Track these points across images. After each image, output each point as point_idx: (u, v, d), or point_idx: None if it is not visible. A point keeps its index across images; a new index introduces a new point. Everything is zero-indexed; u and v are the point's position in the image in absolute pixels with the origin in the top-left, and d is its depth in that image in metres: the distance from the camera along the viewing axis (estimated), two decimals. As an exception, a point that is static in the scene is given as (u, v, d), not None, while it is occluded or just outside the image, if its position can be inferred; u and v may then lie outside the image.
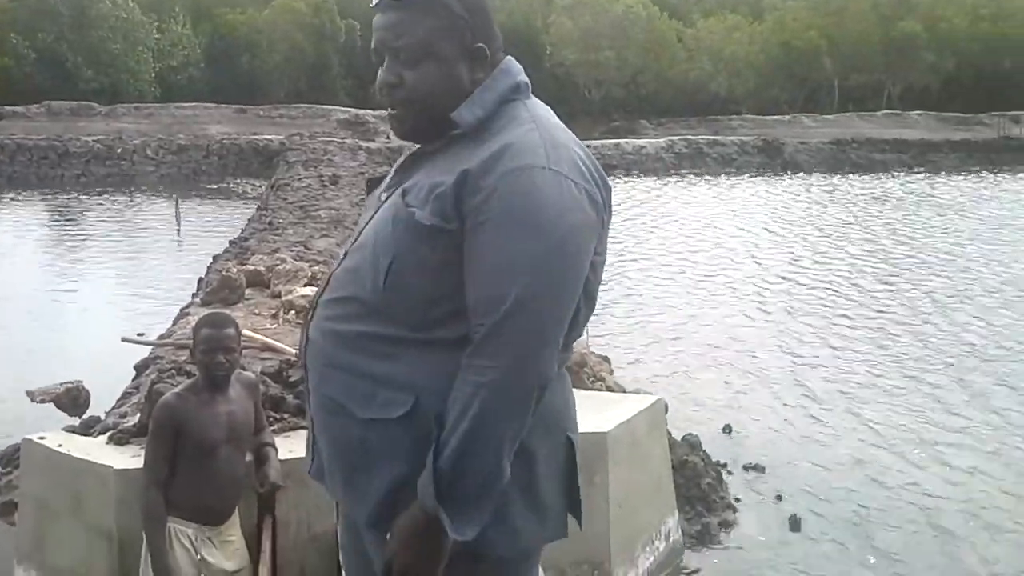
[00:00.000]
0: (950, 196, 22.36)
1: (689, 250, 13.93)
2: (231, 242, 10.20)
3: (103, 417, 4.49)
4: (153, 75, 40.49)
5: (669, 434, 4.51)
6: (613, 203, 1.68)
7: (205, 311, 4.49)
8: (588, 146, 1.68)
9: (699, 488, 4.71)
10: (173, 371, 3.80)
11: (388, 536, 1.58)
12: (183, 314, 6.34)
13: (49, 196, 21.57)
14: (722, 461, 5.34)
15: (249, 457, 2.93)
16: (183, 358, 4.08)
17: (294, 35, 43.25)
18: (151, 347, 5.17)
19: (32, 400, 5.76)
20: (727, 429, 6.02)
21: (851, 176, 27.85)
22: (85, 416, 5.18)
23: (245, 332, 3.60)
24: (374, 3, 1.67)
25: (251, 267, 6.37)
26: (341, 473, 1.67)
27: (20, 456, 3.67)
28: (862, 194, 22.78)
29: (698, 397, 6.80)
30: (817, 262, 12.86)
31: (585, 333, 1.95)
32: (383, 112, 1.86)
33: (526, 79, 1.70)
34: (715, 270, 12.23)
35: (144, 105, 35.08)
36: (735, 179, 26.97)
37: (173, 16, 42.27)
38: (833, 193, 23.06)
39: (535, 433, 1.59)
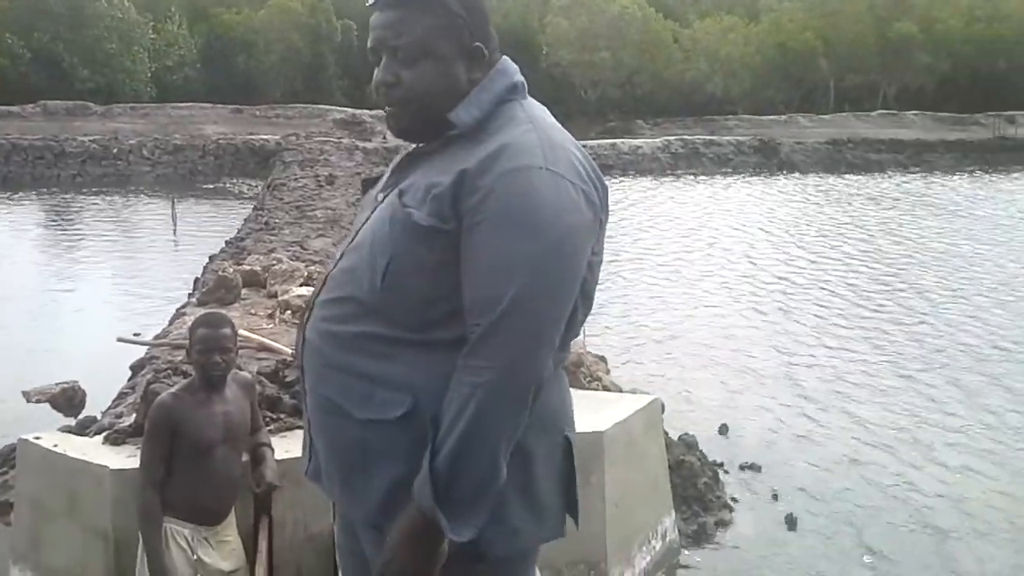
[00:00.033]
0: (945, 196, 22.41)
1: (685, 250, 13.95)
2: (227, 242, 10.20)
3: (99, 417, 4.49)
4: (149, 75, 40.43)
5: (665, 434, 4.52)
6: (609, 203, 1.68)
7: (201, 311, 4.49)
8: (584, 146, 1.68)
9: (695, 488, 4.72)
10: (169, 371, 3.79)
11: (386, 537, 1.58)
12: (179, 314, 6.33)
13: (45, 196, 21.53)
14: (718, 461, 5.35)
15: (245, 457, 2.93)
16: (179, 358, 4.08)
17: (290, 35, 43.22)
18: (147, 347, 5.17)
19: (28, 400, 5.76)
20: (723, 429, 6.03)
21: (847, 176, 27.91)
22: (81, 416, 5.19)
23: (241, 332, 3.60)
24: (371, 2, 1.66)
25: (247, 267, 6.37)
26: (339, 474, 1.67)
27: (16, 456, 3.66)
28: (858, 194, 22.82)
29: (694, 397, 6.81)
30: (812, 262, 12.89)
31: (582, 333, 1.95)
32: (380, 112, 1.86)
33: (522, 79, 1.70)
34: (711, 270, 12.25)
35: (140, 105, 35.04)
36: (731, 179, 27.00)
37: (169, 16, 42.23)
38: (829, 193, 23.10)
39: (533, 433, 1.59)
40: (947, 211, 19.32)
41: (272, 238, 9.20)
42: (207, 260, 9.30)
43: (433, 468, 1.49)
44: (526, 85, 1.70)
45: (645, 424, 3.89)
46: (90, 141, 26.52)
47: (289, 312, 5.03)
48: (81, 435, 3.65)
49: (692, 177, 27.50)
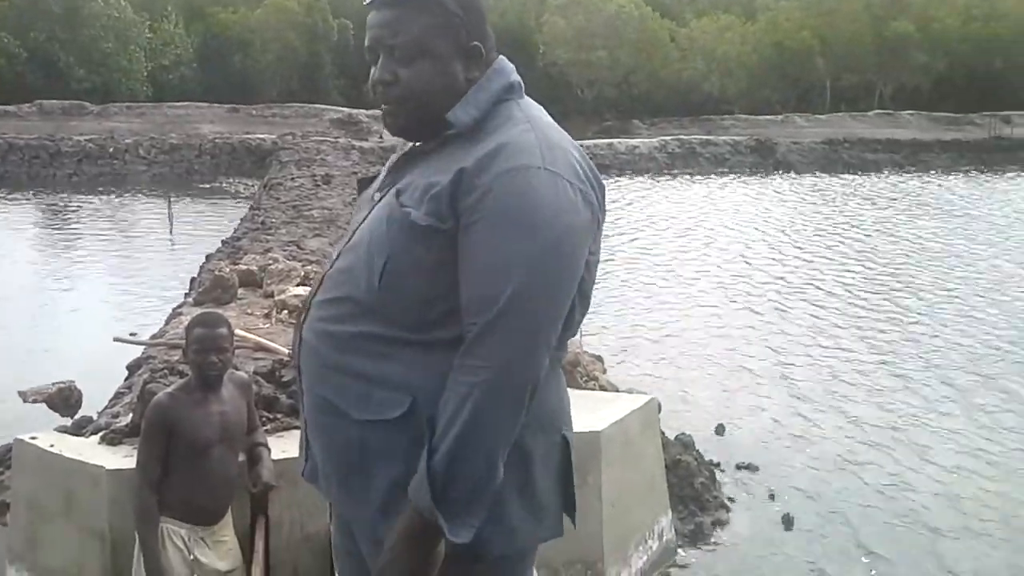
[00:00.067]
0: (941, 196, 22.45)
1: (681, 250, 13.96)
2: (224, 242, 10.19)
3: (95, 417, 4.48)
4: (145, 74, 40.34)
5: (662, 433, 4.52)
6: (606, 203, 1.68)
7: (198, 311, 4.49)
8: (581, 146, 1.68)
9: (692, 487, 4.73)
10: (166, 371, 3.79)
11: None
12: (176, 314, 6.33)
13: (41, 196, 21.50)
14: (715, 460, 5.36)
15: (242, 457, 2.92)
16: (176, 358, 4.07)
17: (287, 34, 43.16)
18: (144, 347, 5.16)
19: (24, 400, 5.74)
20: (720, 429, 6.04)
21: (843, 176, 27.94)
22: (77, 416, 5.18)
23: (238, 332, 3.60)
24: (368, 0, 1.66)
25: (244, 267, 6.36)
26: (336, 474, 1.67)
27: (12, 456, 3.66)
28: (854, 194, 22.86)
29: (691, 396, 6.82)
30: (808, 262, 12.91)
31: (579, 332, 1.95)
32: (376, 111, 1.86)
33: (519, 79, 1.70)
34: (707, 270, 12.27)
35: (136, 104, 34.96)
36: (727, 179, 27.02)
37: (165, 15, 42.16)
38: (825, 193, 23.13)
39: (530, 432, 1.59)
40: (943, 211, 19.36)
41: (268, 238, 9.19)
42: (203, 260, 9.29)
43: (430, 469, 1.48)
44: (523, 85, 1.70)
45: (641, 424, 3.89)
46: (86, 140, 26.49)
47: (286, 312, 5.03)
48: (77, 435, 3.65)
49: (688, 177, 27.52)
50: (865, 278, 11.76)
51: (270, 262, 6.51)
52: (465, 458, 1.48)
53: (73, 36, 38.54)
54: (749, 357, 7.95)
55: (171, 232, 15.10)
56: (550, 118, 1.68)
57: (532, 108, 1.67)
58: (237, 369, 3.19)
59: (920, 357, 7.98)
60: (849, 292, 10.84)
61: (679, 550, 4.23)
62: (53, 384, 5.89)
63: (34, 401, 5.73)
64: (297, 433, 1.87)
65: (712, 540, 4.48)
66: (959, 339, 8.59)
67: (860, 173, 28.96)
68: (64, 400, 5.71)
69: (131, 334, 6.56)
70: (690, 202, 20.80)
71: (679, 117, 40.17)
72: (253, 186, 21.16)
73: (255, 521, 3.01)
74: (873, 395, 6.91)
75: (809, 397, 6.84)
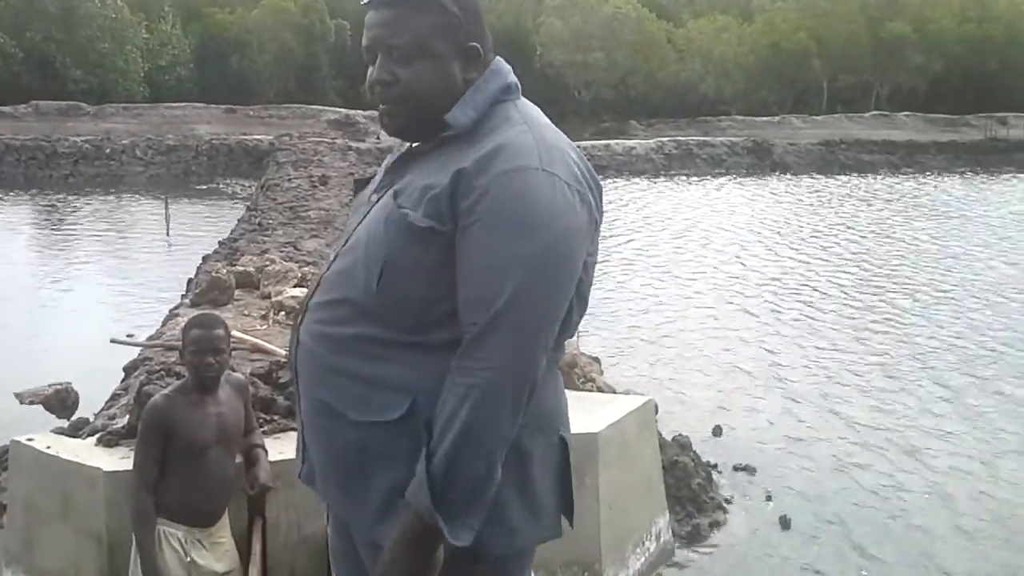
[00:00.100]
0: (937, 197, 22.49)
1: (678, 251, 13.97)
2: (220, 243, 10.17)
3: (92, 419, 4.47)
4: (142, 75, 40.28)
5: (659, 435, 4.53)
6: (603, 204, 1.68)
7: (194, 312, 4.48)
8: (578, 147, 1.68)
9: (689, 488, 4.73)
10: (162, 372, 3.79)
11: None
12: (172, 315, 6.32)
13: (38, 197, 21.46)
14: (712, 462, 5.36)
15: (239, 459, 2.92)
16: (172, 359, 4.07)
17: (284, 35, 43.14)
18: (140, 348, 5.16)
19: (20, 402, 5.73)
20: (717, 430, 6.04)
21: (840, 177, 27.98)
22: (74, 418, 5.16)
23: (235, 333, 3.60)
24: (366, 0, 1.66)
25: (240, 268, 6.35)
26: (335, 477, 1.66)
27: (8, 458, 3.65)
28: (850, 195, 22.89)
29: (688, 398, 6.82)
30: (805, 263, 12.92)
31: (576, 333, 1.95)
32: (373, 112, 1.86)
33: (516, 80, 1.70)
34: (704, 271, 12.28)
35: (133, 105, 34.94)
36: (724, 180, 27.04)
37: (162, 16, 42.13)
38: (821, 194, 23.16)
39: (529, 433, 1.59)
40: (939, 212, 19.39)
41: (265, 239, 9.17)
42: (200, 261, 9.28)
43: (429, 471, 1.48)
44: (520, 86, 1.70)
45: (639, 425, 3.90)
46: (83, 141, 26.45)
47: (283, 313, 5.02)
48: (74, 437, 3.64)
49: (685, 178, 27.54)
50: (861, 279, 11.77)
51: (267, 263, 6.51)
52: (464, 460, 1.48)
53: (69, 36, 38.48)
54: (746, 358, 7.96)
55: (168, 233, 15.07)
56: (547, 119, 1.68)
57: (529, 109, 1.67)
58: (234, 371, 3.18)
59: (916, 358, 7.99)
60: (845, 293, 10.86)
61: (676, 551, 4.23)
62: (49, 385, 5.88)
63: (30, 403, 5.72)
64: (294, 435, 1.87)
65: (709, 541, 4.48)
66: (955, 340, 8.60)
67: (856, 174, 28.99)
68: (60, 402, 5.70)
69: (128, 335, 6.56)
70: (687, 203, 20.81)
71: (676, 118, 40.19)
72: (250, 187, 21.14)
73: (252, 523, 3.01)
74: (869, 396, 6.92)
75: (806, 398, 6.85)
